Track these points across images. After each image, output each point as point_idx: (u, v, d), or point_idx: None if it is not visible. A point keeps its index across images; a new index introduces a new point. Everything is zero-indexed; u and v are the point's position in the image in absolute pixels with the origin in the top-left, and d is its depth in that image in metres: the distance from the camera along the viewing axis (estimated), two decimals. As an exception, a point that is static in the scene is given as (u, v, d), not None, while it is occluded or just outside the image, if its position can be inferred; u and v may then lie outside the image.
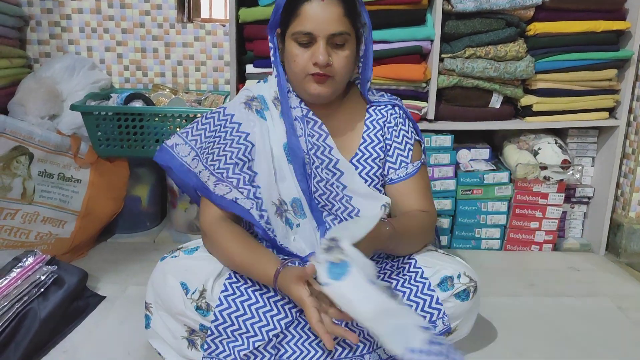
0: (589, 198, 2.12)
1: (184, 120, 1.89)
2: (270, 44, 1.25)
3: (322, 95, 1.22)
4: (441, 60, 1.88)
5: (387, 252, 1.26)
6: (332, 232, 1.06)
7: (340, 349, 1.21)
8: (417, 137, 1.35)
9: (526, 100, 1.95)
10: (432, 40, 1.85)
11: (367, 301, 0.96)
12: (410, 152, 1.31)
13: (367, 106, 1.34)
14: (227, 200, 1.20)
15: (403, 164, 1.30)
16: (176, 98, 2.03)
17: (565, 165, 1.97)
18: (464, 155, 2.04)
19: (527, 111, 1.97)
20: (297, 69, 1.20)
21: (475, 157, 2.05)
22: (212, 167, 1.24)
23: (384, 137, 1.32)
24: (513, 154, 2.02)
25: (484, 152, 2.06)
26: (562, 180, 2.00)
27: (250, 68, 1.89)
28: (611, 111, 2.01)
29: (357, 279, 0.97)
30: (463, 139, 2.09)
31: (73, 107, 1.88)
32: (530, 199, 2.02)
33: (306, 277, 1.05)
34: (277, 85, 1.28)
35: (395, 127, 1.32)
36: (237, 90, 1.89)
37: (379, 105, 1.34)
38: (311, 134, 1.26)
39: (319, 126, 1.27)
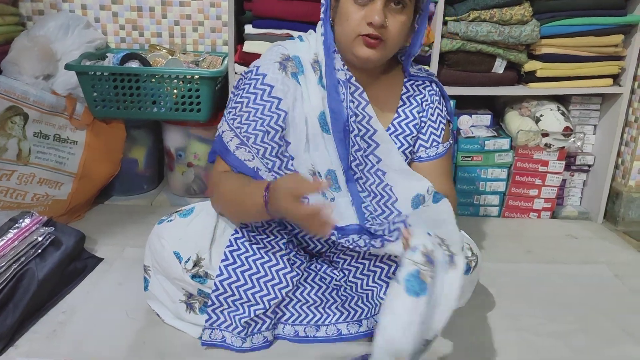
0: (589, 166, 2.11)
1: (181, 82, 1.86)
2: (323, 0, 1.18)
3: (370, 59, 1.14)
4: (445, 23, 1.83)
5: None
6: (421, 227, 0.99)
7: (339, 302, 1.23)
8: (448, 117, 1.32)
9: (530, 65, 1.92)
10: (436, 2, 1.81)
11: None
12: (443, 132, 1.28)
13: (405, 80, 1.28)
14: (247, 168, 1.15)
15: (434, 143, 1.27)
16: (173, 59, 1.99)
17: (567, 132, 1.95)
18: (465, 121, 2.02)
19: (531, 77, 1.94)
20: (349, 27, 1.11)
21: (476, 123, 2.03)
22: (238, 129, 1.16)
23: (420, 115, 1.27)
24: (515, 120, 1.99)
25: (485, 119, 2.04)
26: (563, 147, 1.98)
27: (249, 28, 1.84)
28: (615, 78, 1.98)
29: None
30: (465, 105, 2.07)
31: (68, 67, 1.84)
32: (531, 166, 2.01)
33: (302, 192, 0.97)
34: (322, 45, 1.18)
35: (431, 105, 1.28)
36: (236, 51, 1.86)
37: (417, 81, 1.29)
38: (352, 100, 1.19)
39: (360, 93, 1.20)
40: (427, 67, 1.33)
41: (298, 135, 1.18)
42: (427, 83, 1.29)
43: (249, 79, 1.18)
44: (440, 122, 1.28)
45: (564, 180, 2.10)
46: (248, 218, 1.17)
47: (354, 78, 1.19)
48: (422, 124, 1.27)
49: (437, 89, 1.30)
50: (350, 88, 1.19)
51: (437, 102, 1.29)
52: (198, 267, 1.16)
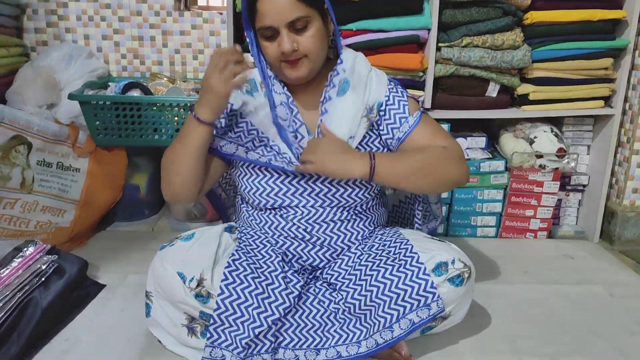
0: (584, 186, 2.14)
1: (181, 110, 1.90)
2: (248, 39, 1.29)
3: (300, 77, 1.25)
4: (438, 49, 1.88)
5: (383, 181, 1.25)
6: None
7: (336, 330, 1.25)
8: (409, 95, 1.37)
9: (523, 89, 1.96)
10: (429, 29, 1.85)
11: None
12: (406, 107, 1.33)
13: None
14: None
15: (403, 120, 1.32)
16: (174, 87, 2.04)
17: (561, 153, 1.98)
18: (461, 144, 2.05)
19: (524, 100, 1.98)
20: (271, 59, 1.25)
21: (471, 146, 2.07)
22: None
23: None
24: (509, 142, 2.03)
25: (481, 141, 2.08)
26: (557, 168, 2.01)
27: (247, 56, 1.88)
28: (607, 100, 2.02)
29: None
30: (460, 128, 2.10)
31: (71, 96, 1.88)
32: (526, 187, 2.04)
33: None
34: (259, 75, 1.32)
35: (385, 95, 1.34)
36: (235, 79, 1.90)
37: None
38: (294, 120, 1.30)
39: (295, 114, 1.30)
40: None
41: (264, 127, 1.30)
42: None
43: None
44: (399, 100, 1.34)
45: (559, 200, 2.13)
46: (185, 147, 1.26)
47: (291, 99, 1.31)
48: (382, 113, 1.34)
49: (384, 78, 1.36)
50: (291, 109, 1.30)
51: (391, 90, 1.35)
52: (201, 286, 1.19)
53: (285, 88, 1.31)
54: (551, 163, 2.00)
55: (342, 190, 1.31)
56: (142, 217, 2.15)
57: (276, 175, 1.30)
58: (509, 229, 2.09)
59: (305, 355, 1.25)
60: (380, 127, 1.34)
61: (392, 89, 1.35)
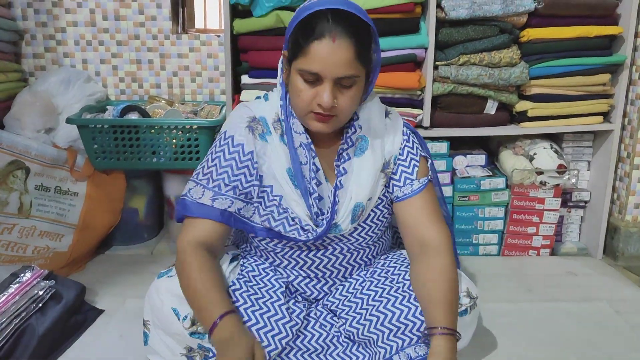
0: (586, 202, 2.12)
1: (180, 132, 1.89)
2: (280, 65, 1.22)
3: (322, 131, 1.17)
4: (435, 67, 1.88)
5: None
6: None
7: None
8: (422, 153, 1.30)
9: (521, 105, 1.96)
10: (426, 48, 1.86)
11: None
12: (416, 169, 1.27)
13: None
14: (227, 213, 1.17)
15: (408, 181, 1.26)
16: (172, 109, 2.03)
17: (561, 169, 1.97)
18: (460, 162, 2.05)
19: (523, 117, 1.98)
20: (301, 104, 1.14)
21: (471, 163, 2.06)
22: (208, 183, 1.18)
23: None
24: (509, 159, 2.02)
25: (480, 158, 2.07)
26: (558, 185, 2.00)
27: (245, 78, 1.89)
28: (605, 115, 2.02)
29: None
30: (459, 146, 2.10)
31: (69, 121, 1.88)
32: (527, 204, 2.02)
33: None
34: (280, 108, 1.22)
35: (400, 147, 1.28)
36: (233, 100, 1.90)
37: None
38: (314, 164, 1.22)
39: (314, 158, 1.22)
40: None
41: (276, 181, 1.20)
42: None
43: (220, 145, 1.21)
44: (412, 159, 1.28)
45: (561, 217, 2.11)
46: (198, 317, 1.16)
47: (311, 143, 1.21)
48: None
49: (405, 129, 1.31)
50: (311, 152, 1.21)
51: (405, 140, 1.29)
52: (197, 325, 1.15)
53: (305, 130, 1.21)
54: (552, 179, 1.99)
55: (356, 250, 1.29)
56: (141, 241, 2.13)
57: (287, 241, 1.25)
58: (512, 246, 2.07)
59: (307, 379, 1.23)
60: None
61: (407, 140, 1.28)
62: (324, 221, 1.20)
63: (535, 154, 2.00)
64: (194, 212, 1.18)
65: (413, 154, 1.28)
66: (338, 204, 1.21)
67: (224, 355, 1.05)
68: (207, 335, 1.14)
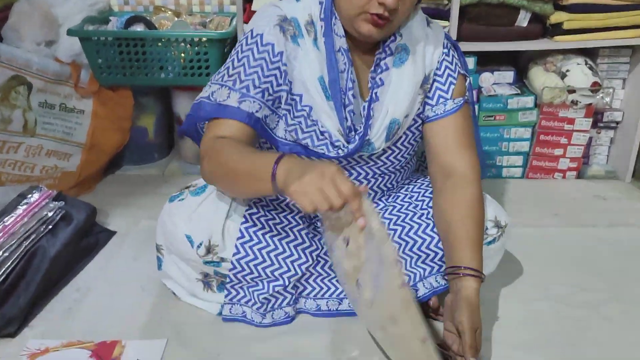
0: (617, 123, 2.01)
1: (188, 45, 1.77)
2: None
3: (372, 37, 1.04)
4: (465, -27, 1.72)
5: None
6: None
7: None
8: (461, 71, 1.18)
9: (556, 17, 1.80)
10: (456, -48, 1.69)
11: None
12: (452, 87, 1.15)
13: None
14: (254, 116, 1.03)
15: (441, 100, 1.15)
16: (179, 20, 1.90)
17: (595, 88, 1.85)
18: (487, 79, 1.92)
19: (557, 29, 1.83)
20: (358, 1, 0.99)
21: (498, 81, 1.93)
22: (235, 84, 1.04)
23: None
24: (539, 76, 1.89)
25: (508, 75, 1.94)
26: (590, 104, 1.88)
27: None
28: (647, 28, 1.86)
29: None
30: (486, 61, 1.96)
31: (70, 32, 1.76)
32: (556, 124, 1.92)
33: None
34: (318, 5, 1.08)
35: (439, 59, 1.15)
36: (244, 11, 1.76)
37: None
38: (352, 72, 1.09)
39: (350, 68, 1.09)
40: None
41: (307, 91, 1.07)
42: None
43: (247, 44, 1.07)
44: (449, 75, 1.16)
45: (590, 139, 2.01)
46: (246, 191, 1.03)
47: (347, 49, 1.08)
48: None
49: (446, 41, 1.18)
50: (350, 59, 1.08)
51: (444, 54, 1.16)
52: (212, 254, 1.10)
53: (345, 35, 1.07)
54: (584, 98, 1.87)
55: (381, 164, 1.18)
56: (151, 161, 2.06)
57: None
58: (537, 169, 1.98)
59: (327, 305, 1.19)
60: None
61: (447, 54, 1.16)
62: (357, 137, 1.09)
63: (568, 70, 1.87)
64: (217, 114, 1.04)
65: (451, 69, 1.16)
66: (372, 119, 1.10)
67: (303, 174, 0.83)
68: (222, 264, 1.09)
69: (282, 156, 0.90)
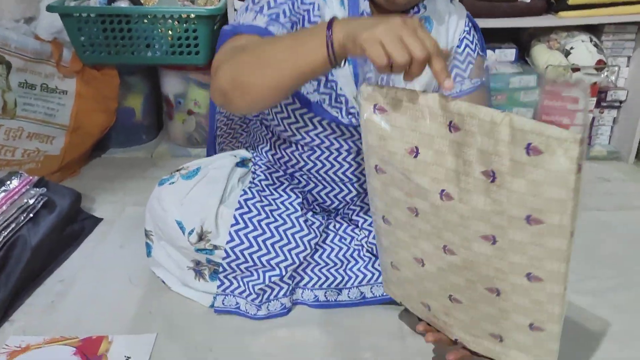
0: (621, 102, 1.95)
1: (176, 22, 1.68)
2: None
3: (397, 5, 0.97)
4: (467, -55, 1.64)
5: None
6: None
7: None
8: (480, 52, 1.12)
9: (561, -9, 1.73)
10: None
11: None
12: (470, 66, 1.09)
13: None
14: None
15: (458, 79, 1.08)
16: (166, -4, 1.81)
17: (600, 66, 1.78)
18: (488, 57, 1.84)
19: (562, 5, 1.76)
20: None
21: (500, 59, 1.86)
22: (262, 8, 0.95)
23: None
24: (543, 54, 1.82)
25: (510, 53, 1.87)
26: (595, 83, 1.82)
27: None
28: (655, 3, 1.79)
29: None
30: (487, 39, 1.88)
31: (50, 8, 1.66)
32: (559, 104, 1.85)
33: None
34: None
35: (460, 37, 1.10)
36: (235, -15, 1.67)
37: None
38: None
39: None
40: None
41: None
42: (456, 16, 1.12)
43: None
44: (468, 54, 1.10)
45: (592, 119, 1.95)
46: (285, 74, 0.79)
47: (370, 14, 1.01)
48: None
49: (467, 20, 1.12)
50: None
51: (465, 32, 1.11)
52: (204, 241, 1.04)
53: None
54: (588, 77, 1.80)
55: None
56: (139, 143, 1.98)
57: (329, 130, 1.07)
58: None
59: (325, 296, 1.13)
60: None
61: (468, 32, 1.10)
62: None
63: (572, 48, 1.80)
64: (239, 30, 0.94)
65: (471, 49, 1.09)
66: None
67: (376, 25, 0.69)
68: (215, 251, 1.03)
69: (334, 18, 0.76)
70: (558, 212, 0.67)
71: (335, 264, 1.13)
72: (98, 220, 1.47)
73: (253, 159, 1.20)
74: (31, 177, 1.34)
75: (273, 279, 1.06)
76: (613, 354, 1.04)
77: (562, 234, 0.69)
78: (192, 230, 1.03)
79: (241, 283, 1.07)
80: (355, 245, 1.15)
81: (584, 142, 0.64)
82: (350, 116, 1.04)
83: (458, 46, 1.09)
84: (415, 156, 0.75)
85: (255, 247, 1.05)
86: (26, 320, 1.10)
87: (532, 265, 0.74)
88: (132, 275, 1.24)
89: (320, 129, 1.07)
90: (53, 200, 1.34)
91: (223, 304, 1.10)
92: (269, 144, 1.18)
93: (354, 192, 1.16)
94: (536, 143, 0.65)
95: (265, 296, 1.08)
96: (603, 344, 1.06)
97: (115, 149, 1.94)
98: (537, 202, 0.68)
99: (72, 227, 1.38)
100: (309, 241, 1.08)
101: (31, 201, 1.28)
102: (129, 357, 1.00)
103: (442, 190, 0.74)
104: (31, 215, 1.26)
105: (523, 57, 1.93)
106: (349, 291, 1.14)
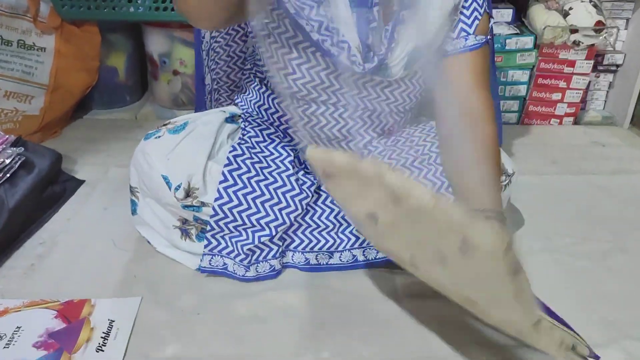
0: (618, 66, 1.91)
1: (160, -25, 1.60)
2: None
3: None
4: None
5: None
6: None
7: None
8: (487, 9, 1.06)
9: (561, -52, 1.67)
10: None
11: None
12: (476, 22, 1.03)
13: None
14: None
15: (463, 34, 1.02)
16: (149, -52, 1.72)
17: (599, 27, 1.73)
18: (484, 17, 1.79)
19: (562, -38, 1.70)
20: None
21: (496, 20, 1.80)
22: None
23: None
24: (541, 15, 1.77)
25: (507, 14, 1.81)
26: (593, 45, 1.78)
27: None
28: (656, -38, 1.74)
29: None
30: (483, -2, 1.83)
31: (26, -41, 1.57)
32: (555, 67, 1.81)
33: None
34: None
35: None
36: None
37: None
38: None
39: None
40: None
41: None
42: None
43: None
44: (475, 10, 1.03)
45: (588, 83, 1.91)
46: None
47: None
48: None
49: None
50: None
51: None
52: (192, 197, 0.99)
53: None
54: (587, 39, 1.76)
55: (392, 99, 1.06)
56: (123, 104, 1.91)
57: (323, 65, 1.01)
58: (533, 114, 1.88)
59: (317, 259, 1.10)
60: None
61: None
62: (376, 58, 0.97)
63: (571, 8, 1.75)
64: None
65: (478, 4, 1.02)
66: (395, 42, 0.98)
67: None
68: (202, 208, 0.99)
69: None
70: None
71: (327, 227, 1.09)
72: (80, 182, 1.41)
73: (243, 115, 1.15)
74: (8, 136, 1.28)
75: (262, 239, 1.02)
76: (608, 316, 1.02)
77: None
78: (179, 186, 0.99)
79: (229, 243, 1.03)
80: (347, 207, 1.11)
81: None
82: (351, 62, 0.97)
83: (465, 1, 1.03)
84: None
85: (245, 205, 1.00)
86: (4, 284, 1.06)
87: None
88: (116, 238, 1.20)
89: (314, 62, 1.00)
90: (32, 160, 1.28)
91: (210, 264, 1.05)
92: (262, 98, 1.12)
93: (349, 151, 1.11)
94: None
95: (254, 257, 1.04)
96: (598, 307, 1.04)
97: (98, 110, 1.87)
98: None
99: (52, 189, 1.32)
100: (300, 201, 1.04)
101: (8, 161, 1.22)
102: (112, 321, 0.96)
103: None
104: (8, 175, 1.20)
105: (520, 17, 1.87)
106: (341, 254, 1.10)
